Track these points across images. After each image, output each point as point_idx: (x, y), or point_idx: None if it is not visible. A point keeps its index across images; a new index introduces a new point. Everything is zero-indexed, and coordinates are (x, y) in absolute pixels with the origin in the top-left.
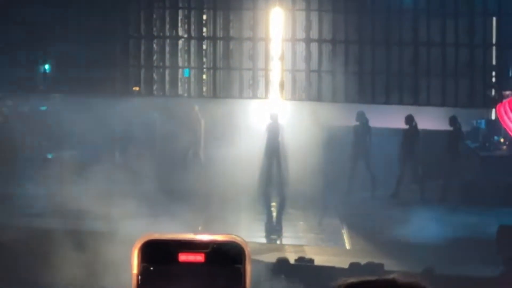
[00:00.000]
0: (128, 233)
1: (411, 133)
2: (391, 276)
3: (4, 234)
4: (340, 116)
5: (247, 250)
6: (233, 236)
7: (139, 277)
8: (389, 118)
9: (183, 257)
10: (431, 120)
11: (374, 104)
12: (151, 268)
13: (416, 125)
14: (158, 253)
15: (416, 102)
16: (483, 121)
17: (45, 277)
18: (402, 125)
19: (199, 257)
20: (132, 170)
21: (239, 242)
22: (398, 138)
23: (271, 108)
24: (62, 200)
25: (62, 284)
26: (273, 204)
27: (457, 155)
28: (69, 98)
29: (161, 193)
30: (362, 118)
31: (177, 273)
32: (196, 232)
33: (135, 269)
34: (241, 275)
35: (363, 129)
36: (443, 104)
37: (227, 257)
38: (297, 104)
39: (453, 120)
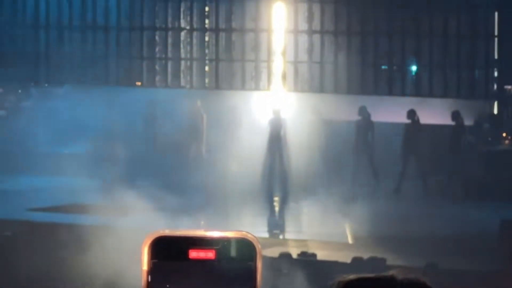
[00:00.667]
0: (131, 228)
1: (413, 127)
2: (390, 273)
3: (6, 229)
4: (343, 110)
5: (258, 247)
6: (244, 232)
7: (149, 273)
8: (392, 112)
9: (193, 253)
10: (434, 114)
11: (376, 95)
12: (161, 265)
13: (418, 120)
14: (168, 250)
15: (418, 93)
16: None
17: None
18: (404, 119)
19: (209, 254)
20: (134, 165)
21: (250, 239)
22: (400, 133)
23: (274, 102)
24: (64, 194)
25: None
26: (276, 198)
27: (460, 149)
28: (71, 92)
29: (163, 187)
30: (364, 113)
31: (188, 270)
32: (205, 228)
33: (145, 266)
34: (252, 272)
35: (365, 124)
36: (445, 95)
37: (238, 254)
38: (299, 97)
39: (455, 115)
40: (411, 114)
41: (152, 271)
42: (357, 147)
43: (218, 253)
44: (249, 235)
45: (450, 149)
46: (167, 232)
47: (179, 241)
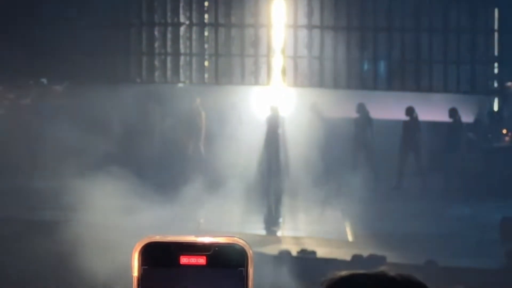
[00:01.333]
0: (130, 228)
1: (412, 125)
2: (380, 269)
3: (5, 229)
4: (343, 107)
5: (250, 253)
6: (236, 238)
7: (140, 280)
8: (392, 109)
9: (184, 259)
10: (434, 110)
11: (376, 90)
12: (152, 271)
13: (416, 117)
14: (159, 256)
15: (418, 88)
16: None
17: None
18: (403, 116)
19: (200, 260)
20: (132, 163)
21: (241, 245)
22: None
23: (272, 98)
24: (60, 194)
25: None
26: (275, 196)
27: (458, 147)
28: (70, 89)
29: (162, 186)
30: (362, 110)
31: (178, 276)
32: (197, 232)
33: (135, 272)
34: (243, 278)
35: (364, 121)
36: (445, 90)
37: (229, 260)
38: (299, 93)
39: (453, 112)
40: (410, 111)
41: (142, 277)
42: (356, 144)
43: (209, 258)
44: (241, 241)
45: (448, 147)
46: (158, 238)
47: (170, 247)
